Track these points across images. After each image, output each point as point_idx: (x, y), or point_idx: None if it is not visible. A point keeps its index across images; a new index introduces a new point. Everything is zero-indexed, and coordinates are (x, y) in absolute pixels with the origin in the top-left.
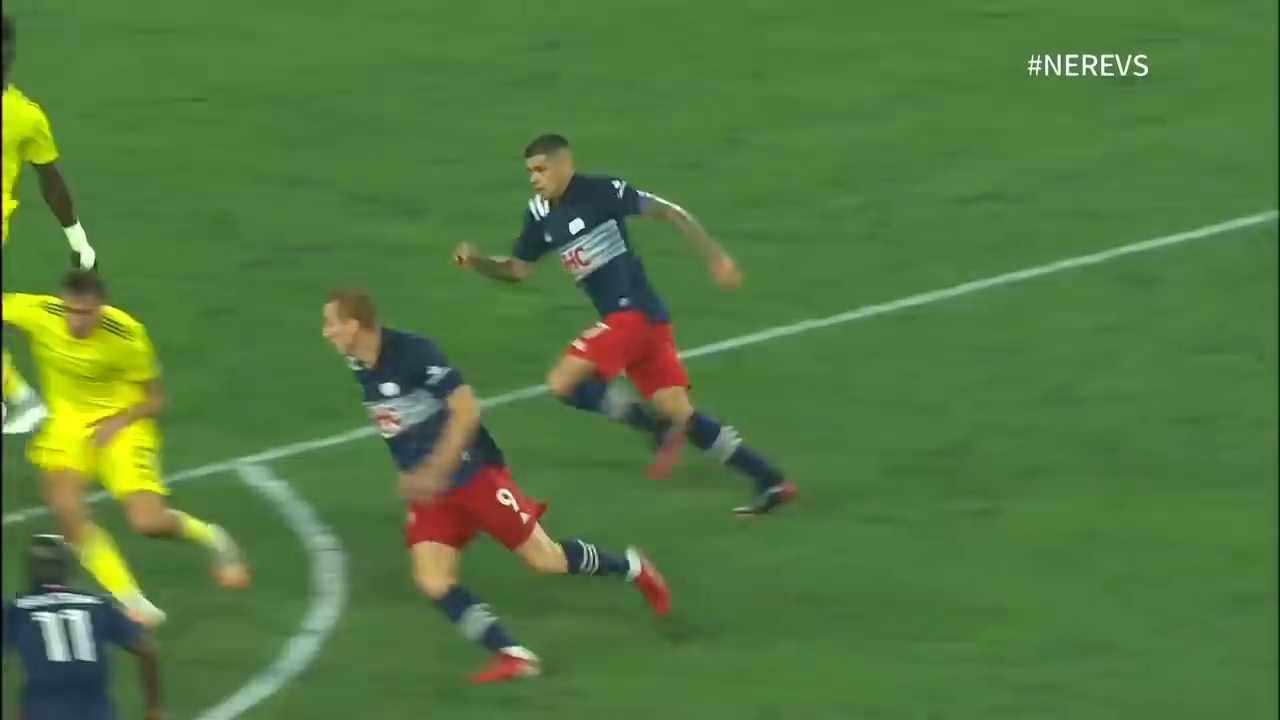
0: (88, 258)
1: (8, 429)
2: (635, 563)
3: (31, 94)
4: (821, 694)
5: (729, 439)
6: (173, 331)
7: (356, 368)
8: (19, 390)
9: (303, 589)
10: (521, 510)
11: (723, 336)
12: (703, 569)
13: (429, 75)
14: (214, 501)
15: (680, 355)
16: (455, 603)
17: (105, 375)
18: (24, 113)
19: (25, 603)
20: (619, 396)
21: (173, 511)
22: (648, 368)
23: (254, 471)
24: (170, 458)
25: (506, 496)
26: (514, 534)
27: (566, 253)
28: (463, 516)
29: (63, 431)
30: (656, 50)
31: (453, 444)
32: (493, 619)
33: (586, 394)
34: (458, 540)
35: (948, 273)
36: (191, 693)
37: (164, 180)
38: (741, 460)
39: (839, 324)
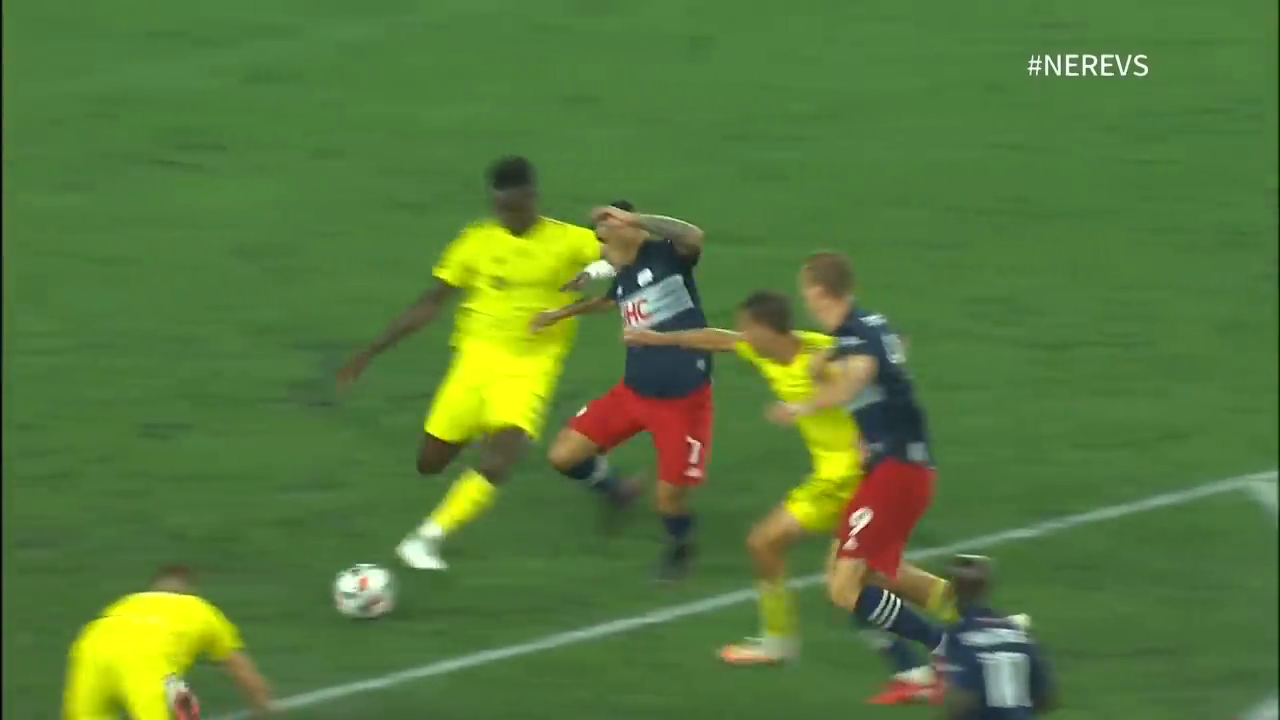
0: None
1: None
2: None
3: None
4: None
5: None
6: (1183, 344)
7: None
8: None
9: None
10: (855, 536)
11: None
12: None
13: None
14: (1222, 517)
15: None
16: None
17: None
18: (568, 240)
19: (969, 638)
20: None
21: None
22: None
23: (1265, 488)
24: (1178, 471)
25: (862, 516)
26: (840, 533)
27: (629, 304)
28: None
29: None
30: None
31: (831, 390)
32: None
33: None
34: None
35: None
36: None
37: (1184, 193)
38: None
39: None
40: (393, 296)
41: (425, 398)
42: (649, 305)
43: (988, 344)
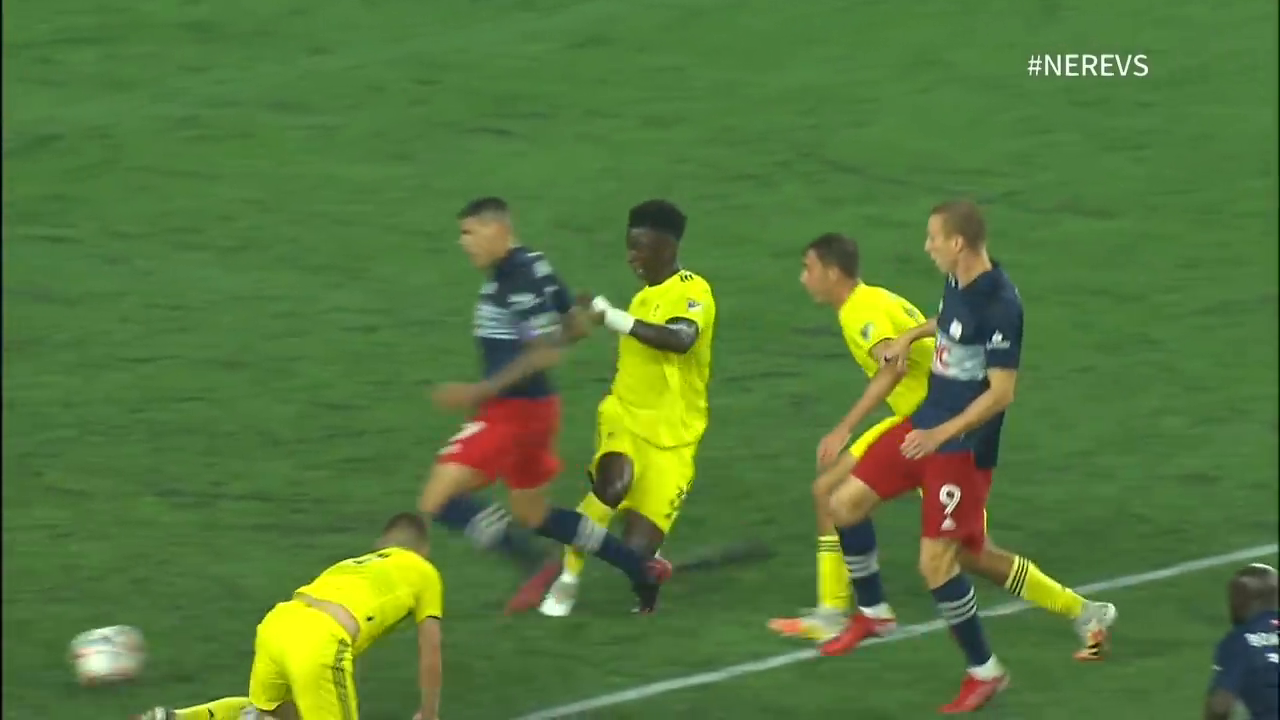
0: None
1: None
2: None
3: None
4: None
5: (592, 527)
6: None
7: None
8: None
9: None
10: (950, 516)
11: None
12: None
13: None
14: None
15: None
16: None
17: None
18: (670, 294)
19: (1248, 640)
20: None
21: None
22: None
23: None
24: None
25: (951, 495)
26: (928, 523)
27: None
28: (909, 476)
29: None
30: None
31: (969, 414)
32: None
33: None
34: (889, 492)
35: None
36: None
37: None
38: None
39: None
40: (730, 272)
41: (756, 379)
42: (481, 316)
43: None
